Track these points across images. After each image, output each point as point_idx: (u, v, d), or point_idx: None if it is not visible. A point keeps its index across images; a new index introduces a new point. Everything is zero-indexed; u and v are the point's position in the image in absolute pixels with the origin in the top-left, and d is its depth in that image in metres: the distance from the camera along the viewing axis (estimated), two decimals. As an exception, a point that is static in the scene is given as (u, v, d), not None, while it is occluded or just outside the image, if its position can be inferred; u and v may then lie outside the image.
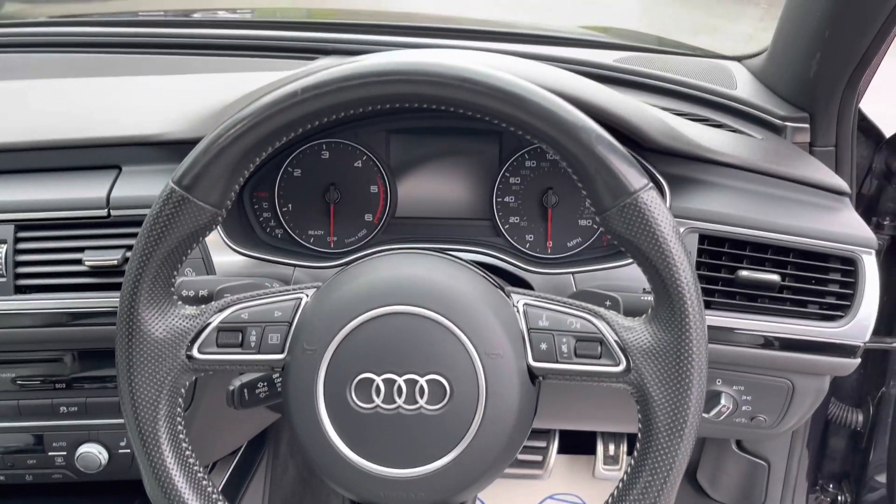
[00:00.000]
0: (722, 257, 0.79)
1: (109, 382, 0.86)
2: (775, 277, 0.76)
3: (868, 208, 1.13)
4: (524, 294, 0.63)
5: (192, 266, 0.81)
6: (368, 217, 0.91)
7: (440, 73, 0.56)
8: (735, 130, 0.89)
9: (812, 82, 0.83)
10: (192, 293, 0.72)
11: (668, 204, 0.79)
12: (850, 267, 0.76)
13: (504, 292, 0.64)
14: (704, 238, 0.79)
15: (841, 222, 0.78)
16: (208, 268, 0.81)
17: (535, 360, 0.60)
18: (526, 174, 0.89)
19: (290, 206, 0.90)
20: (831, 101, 0.83)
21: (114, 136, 0.83)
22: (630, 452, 1.47)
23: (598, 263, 0.82)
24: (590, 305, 0.61)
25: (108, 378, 0.86)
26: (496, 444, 0.58)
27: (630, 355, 0.58)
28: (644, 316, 0.60)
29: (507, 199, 0.89)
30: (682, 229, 0.79)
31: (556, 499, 1.48)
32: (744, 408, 0.83)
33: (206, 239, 0.80)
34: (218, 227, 0.81)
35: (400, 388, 0.58)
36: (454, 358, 0.58)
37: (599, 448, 1.46)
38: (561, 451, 1.49)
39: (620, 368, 0.59)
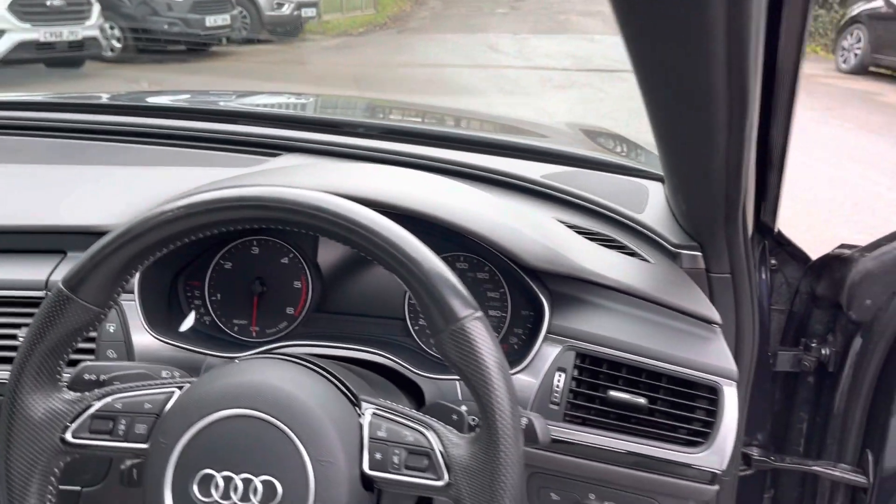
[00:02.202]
0: (599, 376, 0.83)
1: None
2: (642, 400, 0.80)
3: (798, 329, 1.16)
4: (374, 404, 0.68)
5: (115, 348, 0.89)
6: (290, 310, 0.98)
7: (297, 202, 0.64)
8: (632, 253, 0.94)
9: (692, 215, 0.88)
10: (92, 377, 0.80)
11: (547, 320, 0.84)
12: (713, 396, 0.80)
13: (356, 402, 0.69)
14: (584, 356, 0.83)
15: (708, 352, 0.82)
16: (128, 351, 0.89)
17: (370, 468, 0.65)
18: None
19: (218, 295, 0.98)
20: (715, 234, 0.87)
21: (58, 225, 0.93)
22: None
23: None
24: (428, 419, 0.66)
25: None
26: None
27: (452, 471, 0.63)
28: (472, 434, 0.65)
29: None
30: (560, 347, 0.84)
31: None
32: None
33: (131, 324, 0.90)
34: (140, 313, 0.90)
35: (236, 486, 0.63)
36: (288, 461, 0.63)
37: None
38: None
39: (442, 483, 0.63)
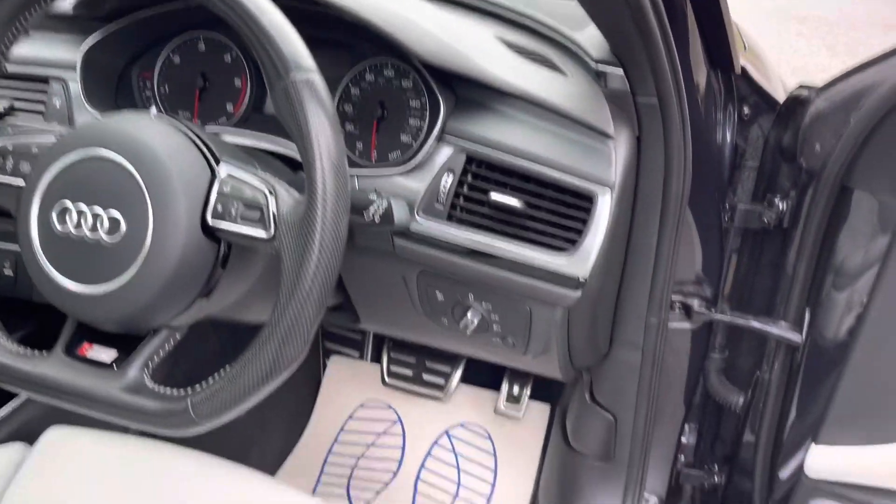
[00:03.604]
0: (487, 180, 0.83)
1: None
2: (518, 203, 0.79)
3: (768, 185, 1.10)
4: (234, 166, 0.72)
5: (59, 120, 0.96)
6: (230, 107, 1.02)
7: None
8: (555, 68, 0.91)
9: (599, 23, 0.83)
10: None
11: (441, 120, 0.84)
12: (588, 203, 0.78)
13: (216, 160, 0.73)
14: (473, 159, 0.83)
15: (593, 161, 0.80)
16: (71, 123, 0.96)
17: (212, 218, 0.70)
18: (365, 87, 0.96)
19: (166, 87, 1.03)
20: (633, 50, 0.83)
21: None
22: (533, 396, 1.52)
23: (392, 171, 0.88)
24: (274, 181, 0.70)
25: None
26: (157, 281, 0.69)
27: (278, 226, 0.67)
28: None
29: (345, 107, 0.97)
30: (452, 148, 0.84)
31: (465, 427, 1.55)
32: (494, 327, 0.88)
33: (74, 102, 0.96)
34: (82, 92, 0.96)
35: (87, 217, 0.69)
36: (133, 200, 0.69)
37: (504, 386, 1.52)
38: (467, 381, 1.56)
39: (267, 235, 0.67)
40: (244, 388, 0.65)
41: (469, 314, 0.87)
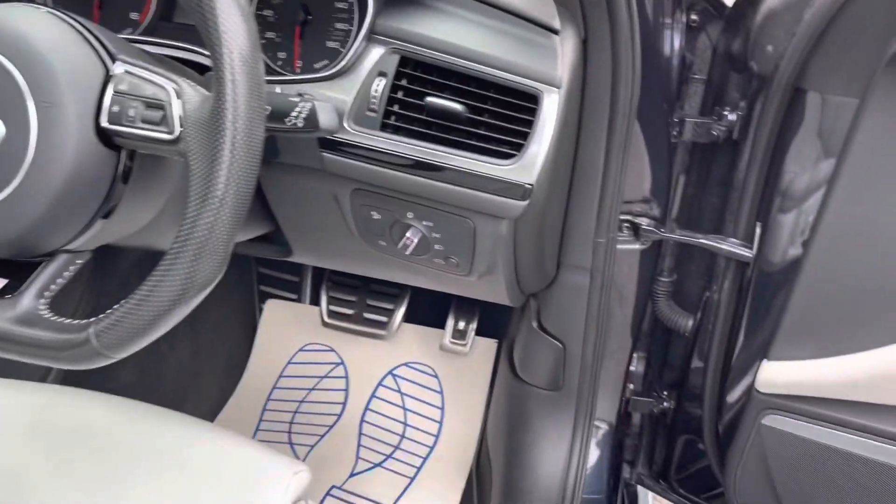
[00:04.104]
0: (423, 83, 0.76)
1: None
2: (458, 107, 0.73)
3: (716, 98, 1.05)
4: (131, 63, 0.63)
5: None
6: (135, 16, 0.91)
7: None
8: None
9: None
10: None
11: (370, 18, 0.76)
12: (533, 104, 0.72)
13: (111, 57, 0.64)
14: (407, 61, 0.76)
15: (538, 58, 0.73)
16: None
17: (107, 121, 0.61)
18: None
19: None
20: None
21: None
22: (479, 333, 1.48)
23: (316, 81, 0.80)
24: (175, 76, 0.61)
25: None
26: (45, 194, 0.60)
27: (184, 125, 0.58)
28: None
29: (265, 12, 0.88)
30: (384, 49, 0.76)
31: (410, 366, 1.50)
32: (436, 246, 0.82)
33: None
34: None
35: None
36: (14, 102, 0.59)
37: (449, 322, 1.47)
38: (411, 320, 1.51)
39: (171, 136, 0.59)
40: (154, 312, 0.57)
41: (408, 234, 0.80)
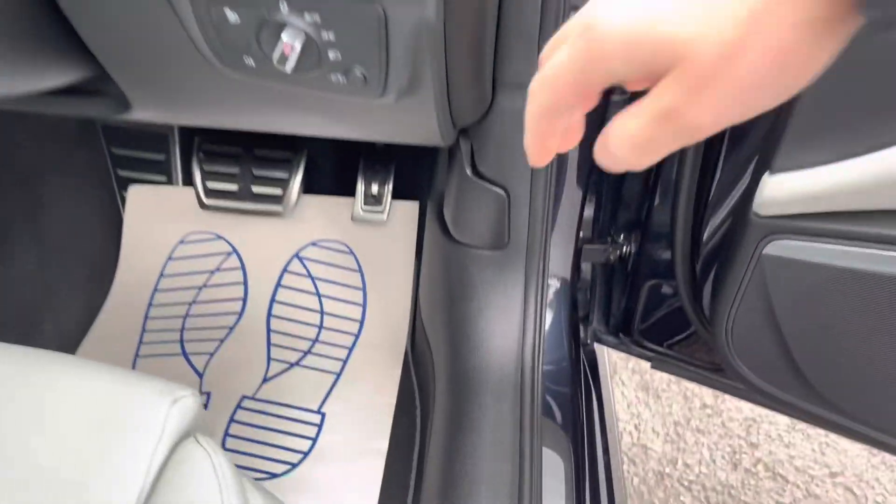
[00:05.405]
0: None
1: None
2: None
3: None
4: None
5: None
6: None
7: None
8: None
9: None
10: None
11: None
12: None
13: None
14: None
15: None
16: None
17: None
18: None
19: None
20: None
21: None
22: (396, 195, 1.24)
23: None
24: None
25: None
26: None
27: None
28: None
29: None
30: None
31: (319, 245, 1.25)
32: (330, 54, 0.55)
33: None
34: None
35: None
36: None
37: (360, 186, 1.21)
38: (311, 191, 1.25)
39: None
40: None
41: (284, 37, 0.52)
